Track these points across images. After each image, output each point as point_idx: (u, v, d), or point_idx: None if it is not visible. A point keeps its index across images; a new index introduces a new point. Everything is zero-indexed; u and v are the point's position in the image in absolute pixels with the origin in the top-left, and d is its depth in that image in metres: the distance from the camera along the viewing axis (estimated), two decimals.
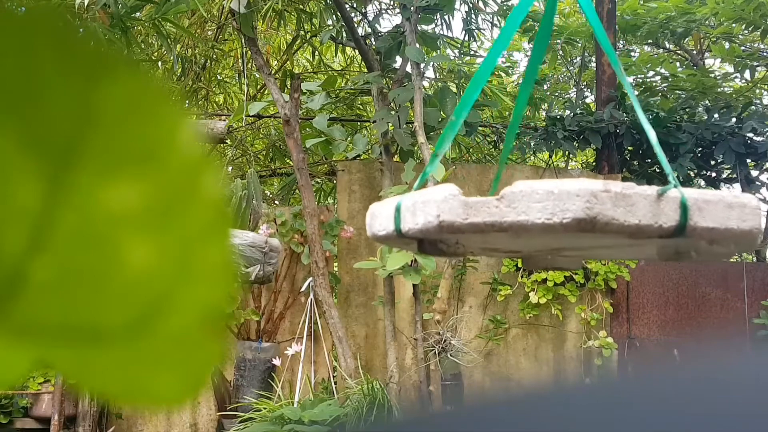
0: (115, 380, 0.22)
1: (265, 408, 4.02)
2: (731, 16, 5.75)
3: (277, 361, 4.60)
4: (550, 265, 1.39)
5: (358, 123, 5.88)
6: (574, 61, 7.43)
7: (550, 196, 1.02)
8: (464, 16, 5.71)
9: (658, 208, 1.06)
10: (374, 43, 4.85)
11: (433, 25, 4.86)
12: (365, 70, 5.04)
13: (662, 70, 6.56)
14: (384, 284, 4.46)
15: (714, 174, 6.04)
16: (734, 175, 5.89)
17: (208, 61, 5.71)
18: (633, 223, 1.04)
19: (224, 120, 4.80)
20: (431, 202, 1.08)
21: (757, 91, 6.80)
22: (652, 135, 1.40)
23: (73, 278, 0.20)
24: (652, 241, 1.19)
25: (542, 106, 6.90)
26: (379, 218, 1.20)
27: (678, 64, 7.13)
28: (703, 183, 6.16)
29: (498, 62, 7.53)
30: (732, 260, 6.63)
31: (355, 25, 4.99)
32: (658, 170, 5.66)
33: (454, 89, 5.22)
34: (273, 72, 4.87)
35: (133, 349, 0.21)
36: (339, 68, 6.47)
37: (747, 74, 6.50)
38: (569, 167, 6.62)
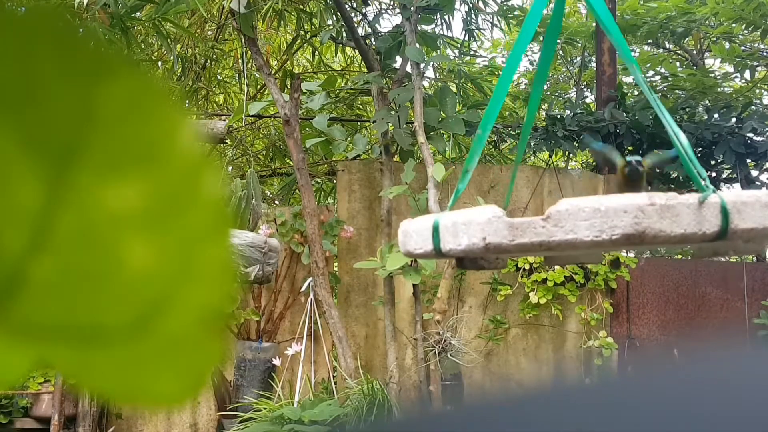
0: (115, 380, 0.22)
1: (265, 408, 4.02)
2: (731, 16, 5.75)
3: (277, 361, 4.60)
4: (572, 261, 1.41)
5: (358, 123, 5.88)
6: (574, 61, 7.43)
7: (597, 213, 1.04)
8: (464, 16, 5.71)
9: (700, 215, 1.08)
10: (374, 43, 4.85)
11: (433, 25, 4.86)
12: (365, 70, 5.04)
13: (662, 70, 6.57)
14: (384, 284, 4.45)
15: (714, 174, 6.04)
16: (734, 175, 5.89)
17: (208, 61, 5.71)
18: (679, 233, 1.07)
19: (224, 120, 4.79)
20: (474, 224, 1.09)
21: (757, 91, 6.80)
22: (683, 138, 1.42)
23: (73, 278, 0.20)
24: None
25: (542, 106, 6.90)
26: (414, 237, 1.19)
27: (678, 64, 7.13)
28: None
29: (499, 63, 7.52)
30: (732, 260, 6.63)
31: (355, 25, 4.99)
32: (657, 170, 5.65)
33: (454, 89, 5.22)
34: (273, 72, 4.87)
35: (133, 349, 0.21)
36: (339, 68, 6.47)
37: (747, 74, 6.50)
38: (569, 167, 6.62)
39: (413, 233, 1.20)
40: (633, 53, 7.64)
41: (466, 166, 1.46)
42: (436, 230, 1.14)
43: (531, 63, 8.18)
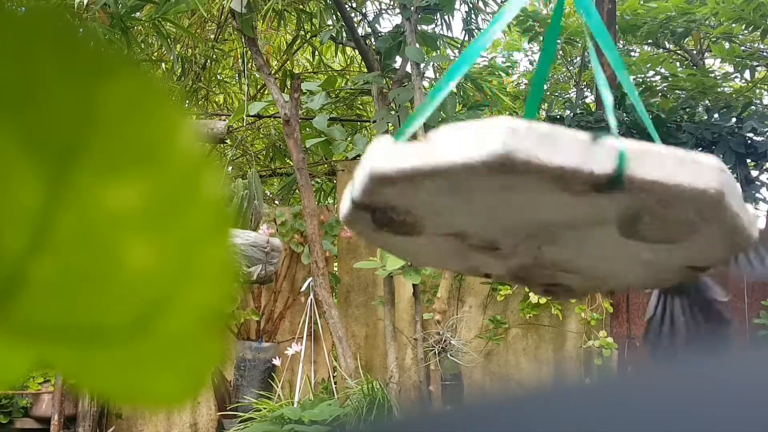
0: (115, 380, 0.22)
1: (265, 408, 4.02)
2: (731, 16, 5.75)
3: (277, 361, 4.61)
4: (550, 281, 1.28)
5: (358, 123, 5.88)
6: (574, 61, 7.43)
7: (470, 132, 0.94)
8: (464, 16, 5.71)
9: (590, 151, 0.95)
10: (374, 43, 4.85)
11: (433, 25, 4.86)
12: (365, 70, 5.04)
13: (662, 70, 6.57)
14: (384, 284, 4.46)
15: None
16: (734, 175, 5.88)
17: (208, 61, 5.71)
18: (557, 164, 0.93)
19: (224, 120, 4.80)
20: (366, 160, 1.01)
21: (757, 91, 6.80)
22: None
23: (73, 278, 0.20)
24: (633, 244, 1.10)
25: (542, 106, 6.90)
26: (344, 200, 1.10)
27: (678, 64, 7.13)
28: None
29: (499, 63, 7.52)
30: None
31: (355, 25, 4.99)
32: None
33: (454, 89, 5.21)
34: (273, 72, 4.87)
35: (133, 349, 0.21)
36: (339, 68, 6.47)
37: (747, 74, 6.50)
38: None
39: (344, 198, 1.10)
40: (633, 53, 7.64)
41: (403, 126, 1.27)
42: (353, 183, 1.04)
43: (531, 63, 8.18)
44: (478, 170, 0.95)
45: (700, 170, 0.95)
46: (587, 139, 0.97)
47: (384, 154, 1.02)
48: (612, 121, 1.18)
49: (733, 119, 5.65)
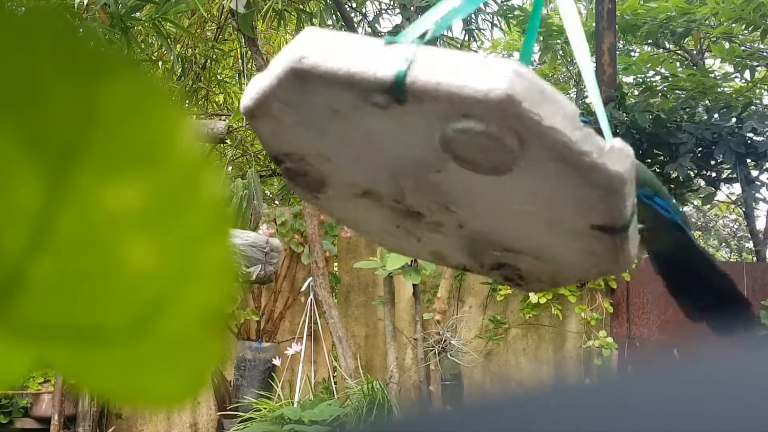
0: (115, 380, 0.22)
1: (265, 408, 4.02)
2: (731, 16, 5.75)
3: (277, 361, 4.60)
4: (501, 260, 1.26)
5: None
6: (574, 61, 7.42)
7: (289, 48, 0.95)
8: (464, 16, 5.70)
9: (379, 58, 0.92)
10: None
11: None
12: None
13: (662, 70, 6.57)
14: (384, 284, 4.45)
15: (714, 174, 6.04)
16: (734, 175, 5.89)
17: (208, 61, 5.71)
18: (343, 68, 0.92)
19: (224, 120, 4.80)
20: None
21: (757, 91, 6.80)
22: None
23: (73, 278, 0.20)
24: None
25: None
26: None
27: (678, 64, 7.13)
28: (703, 183, 6.16)
29: None
30: (732, 260, 6.62)
31: (355, 25, 4.99)
32: (657, 170, 5.66)
33: None
34: None
35: (133, 349, 0.21)
36: None
37: (747, 74, 6.50)
38: None
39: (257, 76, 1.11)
40: (633, 53, 7.64)
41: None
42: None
43: (531, 63, 8.18)
44: (282, 83, 0.93)
45: (487, 73, 0.89)
46: (381, 45, 0.92)
47: (249, 86, 1.02)
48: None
49: (733, 119, 5.65)
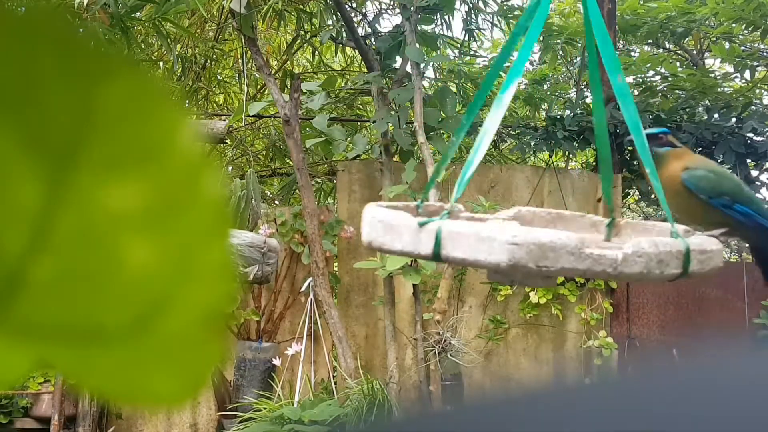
0: (115, 380, 0.22)
1: (265, 408, 4.02)
2: (731, 16, 5.75)
3: (277, 361, 4.60)
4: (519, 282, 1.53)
5: (358, 123, 5.88)
6: (574, 61, 7.42)
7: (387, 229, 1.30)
8: (464, 16, 5.71)
9: (418, 237, 1.25)
10: (374, 43, 4.85)
11: (433, 25, 4.86)
12: (365, 70, 5.04)
13: (662, 70, 6.56)
14: (384, 284, 4.45)
15: None
16: (734, 175, 5.88)
17: (208, 61, 5.71)
18: (398, 249, 1.28)
19: (224, 120, 4.80)
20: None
21: (757, 91, 6.80)
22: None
23: (73, 278, 0.20)
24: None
25: (542, 106, 6.90)
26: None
27: (678, 64, 7.13)
28: None
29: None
30: (732, 260, 6.63)
31: (355, 25, 4.99)
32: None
33: (454, 89, 5.22)
34: (273, 72, 4.87)
35: (133, 349, 0.21)
36: (339, 68, 6.47)
37: (747, 74, 6.50)
38: (569, 167, 6.62)
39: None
40: (633, 53, 7.64)
41: (446, 155, 1.70)
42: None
43: (531, 63, 8.17)
44: (369, 246, 1.28)
45: (492, 246, 1.19)
46: (416, 226, 1.25)
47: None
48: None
49: (733, 119, 5.65)
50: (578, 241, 1.17)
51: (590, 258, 1.17)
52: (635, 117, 1.49)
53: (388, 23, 25.13)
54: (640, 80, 6.59)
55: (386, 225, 1.28)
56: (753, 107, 5.86)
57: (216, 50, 5.65)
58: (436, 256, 1.23)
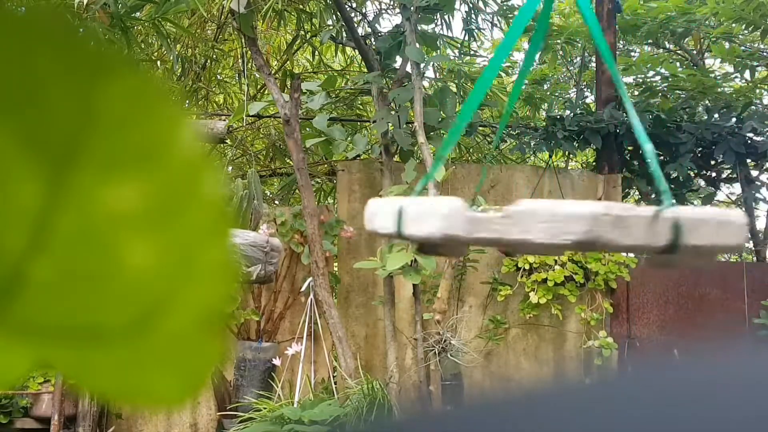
0: (115, 380, 0.22)
1: (265, 408, 4.02)
2: (731, 16, 5.75)
3: (277, 361, 4.60)
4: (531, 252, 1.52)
5: (358, 123, 5.88)
6: (574, 61, 7.43)
7: (554, 218, 1.11)
8: (464, 16, 5.71)
9: (653, 229, 1.16)
10: (374, 43, 4.85)
11: (433, 25, 4.86)
12: (365, 70, 5.04)
13: (662, 70, 6.56)
14: (384, 284, 4.45)
15: (714, 174, 6.04)
16: (734, 175, 5.88)
17: (208, 61, 5.70)
18: (629, 243, 1.16)
19: (224, 120, 4.80)
20: (436, 215, 1.19)
21: (757, 91, 6.80)
22: (649, 148, 1.44)
23: (73, 278, 0.20)
24: None
25: (542, 106, 6.90)
26: (381, 217, 1.33)
27: (678, 64, 7.12)
28: (703, 183, 6.16)
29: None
30: (732, 260, 6.62)
31: (355, 25, 4.99)
32: None
33: (454, 89, 5.22)
34: (273, 72, 4.87)
35: (133, 349, 0.21)
36: (339, 68, 6.47)
37: (747, 74, 6.50)
38: (569, 167, 6.62)
39: (379, 214, 1.37)
40: (633, 53, 7.63)
41: (439, 153, 1.61)
42: (400, 215, 1.27)
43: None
44: (557, 249, 1.15)
45: (732, 229, 1.17)
46: (650, 216, 1.16)
47: (458, 223, 1.25)
48: (663, 185, 1.37)
49: (733, 119, 5.64)
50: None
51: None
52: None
53: (388, 23, 25.14)
54: (640, 80, 6.59)
55: (616, 218, 1.17)
56: (753, 107, 5.86)
57: (216, 50, 5.65)
58: (672, 248, 1.17)
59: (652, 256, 1.30)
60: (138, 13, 4.39)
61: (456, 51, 5.87)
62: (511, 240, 1.14)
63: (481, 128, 5.94)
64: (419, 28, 4.58)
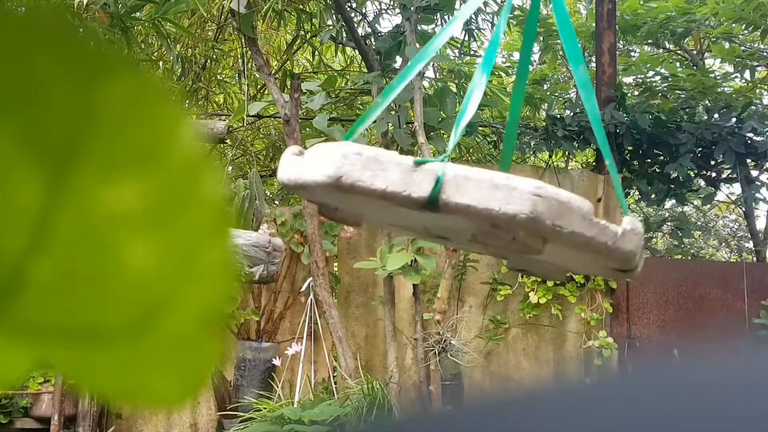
0: (115, 380, 0.22)
1: (265, 408, 4.02)
2: (731, 16, 5.75)
3: (277, 361, 4.60)
4: (539, 274, 1.43)
5: None
6: None
7: (320, 155, 1.09)
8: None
9: (410, 177, 1.05)
10: (374, 43, 4.85)
11: (433, 25, 4.86)
12: (365, 70, 5.04)
13: (662, 70, 6.56)
14: (384, 284, 4.45)
15: (714, 174, 6.04)
16: (734, 175, 5.88)
17: (208, 61, 5.70)
18: (380, 188, 1.06)
19: (224, 120, 4.80)
20: (279, 168, 1.22)
21: (757, 91, 6.80)
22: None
23: (73, 278, 0.20)
24: (591, 254, 1.22)
25: (542, 106, 6.90)
26: (285, 165, 1.26)
27: (678, 64, 7.13)
28: (703, 183, 6.16)
29: (499, 63, 7.53)
30: (732, 260, 6.62)
31: (355, 25, 4.99)
32: (658, 170, 5.66)
33: (454, 89, 5.22)
34: (273, 72, 4.87)
35: (133, 349, 0.21)
36: (339, 68, 6.47)
37: (747, 74, 6.50)
38: (569, 167, 6.62)
39: (289, 158, 1.24)
40: (633, 53, 7.63)
41: (358, 121, 1.49)
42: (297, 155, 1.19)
43: (531, 63, 8.17)
44: (323, 188, 1.08)
45: (511, 195, 1.02)
46: (410, 164, 1.06)
47: (282, 166, 1.20)
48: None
49: (733, 119, 5.64)
50: (590, 207, 1.11)
51: (597, 226, 1.09)
52: (595, 109, 1.49)
53: (388, 23, 25.12)
54: (640, 80, 6.59)
55: (367, 159, 1.07)
56: (753, 107, 5.86)
57: (216, 50, 5.64)
58: (432, 202, 1.04)
59: (511, 257, 1.26)
60: (138, 13, 4.39)
61: (456, 51, 5.87)
62: (302, 181, 1.12)
63: (481, 128, 5.95)
64: (419, 28, 4.58)
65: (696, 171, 5.92)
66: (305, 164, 1.11)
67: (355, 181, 1.05)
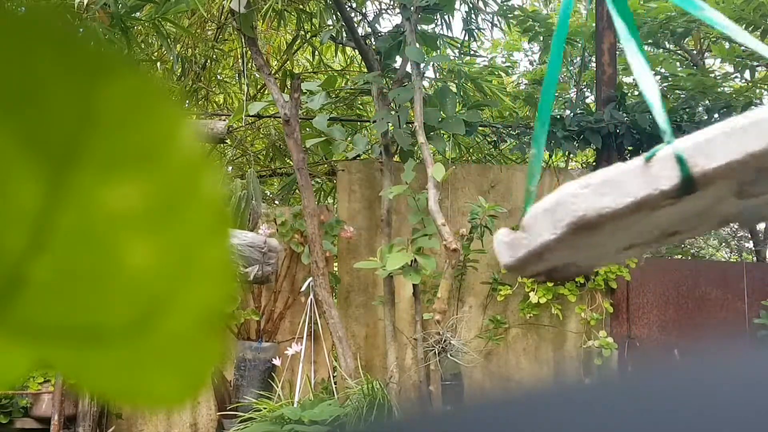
0: (115, 380, 0.22)
1: (265, 408, 4.02)
2: (731, 16, 5.75)
3: (277, 361, 4.60)
4: (576, 273, 1.40)
5: (358, 123, 5.88)
6: (574, 61, 7.43)
7: (547, 213, 1.02)
8: (464, 16, 5.71)
9: (650, 174, 0.99)
10: (374, 43, 4.85)
11: (433, 25, 4.86)
12: (365, 70, 5.04)
13: (662, 70, 6.56)
14: (384, 284, 4.45)
15: None
16: None
17: (208, 61, 5.70)
18: (629, 202, 0.99)
19: (224, 120, 4.80)
20: (497, 254, 1.19)
21: (757, 91, 6.79)
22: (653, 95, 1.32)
23: (73, 278, 0.20)
24: (711, 215, 1.14)
25: None
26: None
27: (678, 64, 7.12)
28: None
29: (499, 63, 7.52)
30: (732, 260, 6.62)
31: (355, 25, 4.99)
32: None
33: (454, 89, 5.22)
34: (273, 72, 4.87)
35: (133, 349, 0.21)
36: (339, 68, 6.47)
37: (747, 74, 6.50)
38: (569, 167, 6.62)
39: (503, 240, 1.17)
40: None
41: (529, 186, 1.36)
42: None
43: (531, 63, 8.18)
44: (561, 241, 1.03)
45: (761, 128, 0.95)
46: (641, 164, 0.99)
47: (501, 251, 1.13)
48: (667, 128, 1.17)
49: None
50: None
51: None
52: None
53: (388, 23, 25.15)
54: None
55: (597, 186, 0.98)
56: (753, 107, 5.86)
57: (216, 50, 5.65)
58: (687, 183, 0.94)
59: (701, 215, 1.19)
60: (138, 13, 4.39)
61: (456, 51, 5.87)
62: (536, 247, 1.07)
63: (481, 128, 5.94)
64: (419, 28, 4.58)
65: None
66: (528, 232, 1.06)
67: (599, 211, 0.99)
